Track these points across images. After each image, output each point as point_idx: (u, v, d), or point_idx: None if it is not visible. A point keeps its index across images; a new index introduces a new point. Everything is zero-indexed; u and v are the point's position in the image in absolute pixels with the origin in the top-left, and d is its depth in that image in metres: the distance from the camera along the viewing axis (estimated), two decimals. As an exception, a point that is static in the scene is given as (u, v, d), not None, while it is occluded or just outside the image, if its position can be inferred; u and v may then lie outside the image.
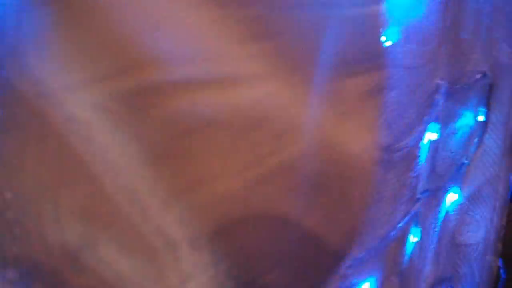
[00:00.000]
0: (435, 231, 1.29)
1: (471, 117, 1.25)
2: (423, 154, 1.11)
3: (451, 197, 1.30)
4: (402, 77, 1.01)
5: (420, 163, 1.11)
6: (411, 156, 1.08)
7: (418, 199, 1.14)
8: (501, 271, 1.44)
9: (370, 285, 1.07)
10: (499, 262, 1.42)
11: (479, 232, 1.35)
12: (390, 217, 1.07)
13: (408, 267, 1.20)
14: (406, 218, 1.11)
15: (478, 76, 1.20)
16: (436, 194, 1.24)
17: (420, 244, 1.23)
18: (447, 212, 1.32)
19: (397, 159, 1.05)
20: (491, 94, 1.26)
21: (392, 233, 1.08)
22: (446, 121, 1.20)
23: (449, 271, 1.37)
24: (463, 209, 1.35)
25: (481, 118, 1.25)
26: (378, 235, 1.06)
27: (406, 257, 1.17)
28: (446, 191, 1.27)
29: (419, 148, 1.09)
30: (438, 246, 1.31)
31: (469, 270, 1.37)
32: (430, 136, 1.11)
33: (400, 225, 1.09)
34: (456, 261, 1.37)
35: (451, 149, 1.23)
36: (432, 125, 1.10)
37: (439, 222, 1.30)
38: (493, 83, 1.25)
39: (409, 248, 1.17)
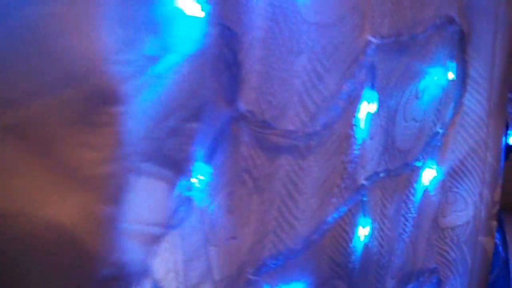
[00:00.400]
0: (409, 217, 1.06)
1: (440, 76, 0.99)
2: (362, 131, 0.88)
3: (429, 174, 1.06)
4: (313, 38, 0.78)
5: (356, 143, 0.88)
6: (340, 136, 0.86)
7: (362, 186, 0.92)
8: (500, 248, 1.19)
9: (299, 290, 0.88)
10: (497, 238, 1.18)
11: (467, 211, 1.11)
12: (315, 213, 0.86)
13: (363, 267, 0.98)
14: (342, 210, 0.89)
15: (440, 22, 0.94)
16: (400, 174, 1.01)
17: (379, 237, 1.01)
18: (426, 192, 1.09)
19: (317, 144, 0.83)
20: (466, 43, 1.00)
21: (319, 231, 0.87)
22: (401, 83, 0.95)
23: (434, 260, 1.14)
24: (445, 186, 1.11)
25: (451, 75, 0.99)
26: (298, 236, 0.85)
27: (355, 255, 0.96)
28: (416, 168, 1.03)
29: (351, 125, 0.86)
30: (416, 234, 1.09)
31: (460, 255, 1.14)
32: (368, 107, 0.88)
33: (330, 219, 0.88)
34: (444, 247, 1.14)
35: (415, 117, 0.99)
36: (369, 93, 0.87)
37: (415, 206, 1.07)
38: (465, 30, 0.98)
39: (358, 244, 0.96)
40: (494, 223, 1.13)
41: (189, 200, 0.70)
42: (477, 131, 1.05)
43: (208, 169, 0.72)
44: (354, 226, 0.94)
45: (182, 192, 0.68)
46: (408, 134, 0.99)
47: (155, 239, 0.60)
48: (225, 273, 0.80)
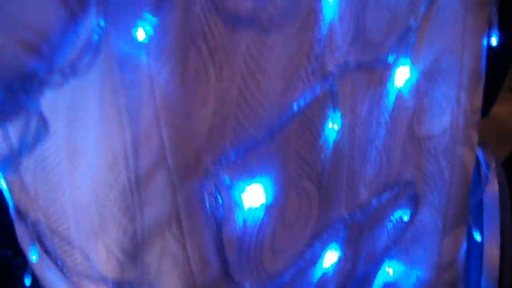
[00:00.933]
0: (382, 121, 0.98)
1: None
2: (330, 8, 0.79)
3: (402, 74, 0.98)
4: None
5: (324, 20, 0.79)
6: (306, 9, 0.77)
7: (330, 73, 0.83)
8: (483, 165, 1.12)
9: (264, 187, 0.79)
10: (480, 155, 1.10)
11: (443, 117, 1.03)
12: (278, 96, 0.78)
13: (333, 170, 0.90)
14: (308, 97, 0.80)
15: None
16: (372, 69, 0.93)
17: (350, 138, 0.92)
18: (399, 95, 1.00)
19: (281, 17, 0.74)
20: None
21: (283, 118, 0.78)
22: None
23: (410, 173, 1.06)
24: (420, 90, 1.03)
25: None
26: (261, 122, 0.77)
27: (325, 154, 0.87)
28: (389, 66, 0.95)
29: (317, -4, 0.78)
30: (389, 141, 1.01)
31: (437, 168, 1.06)
32: (336, -21, 0.79)
33: (295, 106, 0.79)
34: (420, 160, 1.06)
35: (388, 6, 0.91)
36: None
37: (388, 110, 0.99)
38: None
39: (328, 142, 0.87)
40: (475, 134, 1.05)
41: (97, 48, 0.60)
42: (452, 26, 0.97)
43: (152, 19, 0.62)
44: (323, 120, 0.85)
45: (90, 34, 0.58)
46: (379, 23, 0.90)
47: (32, 49, 0.50)
48: (181, 159, 0.71)
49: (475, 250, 1.17)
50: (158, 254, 0.79)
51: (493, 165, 1.20)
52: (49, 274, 0.92)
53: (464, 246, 1.17)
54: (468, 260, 1.20)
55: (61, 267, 0.88)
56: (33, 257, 0.87)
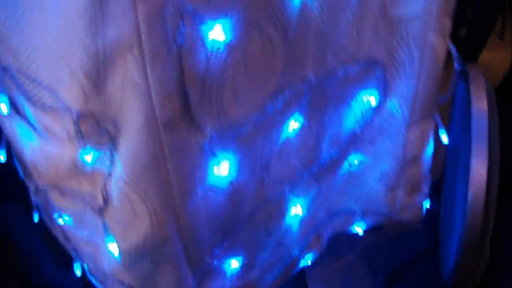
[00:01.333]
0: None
1: None
2: None
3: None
4: None
5: None
6: None
7: None
8: (456, 65, 1.13)
9: (227, 24, 0.81)
10: (453, 50, 1.11)
11: (418, 2, 1.04)
12: None
13: (301, 26, 0.91)
14: None
15: None
16: None
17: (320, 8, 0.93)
18: (375, -27, 1.01)
19: None
20: None
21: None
22: None
23: (380, 54, 1.07)
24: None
25: None
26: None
27: (292, 7, 0.88)
28: None
29: None
30: (361, 15, 1.01)
31: (408, 54, 1.08)
32: None
33: None
34: (391, 42, 1.07)
35: None
36: None
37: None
38: None
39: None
40: (447, 23, 1.06)
41: None
42: None
43: None
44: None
45: None
46: None
47: None
48: None
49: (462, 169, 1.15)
50: (120, 84, 0.81)
51: (482, 81, 1.18)
52: (17, 128, 0.94)
53: (430, 144, 1.19)
54: (455, 182, 1.20)
55: (27, 117, 0.90)
56: (3, 108, 0.90)
